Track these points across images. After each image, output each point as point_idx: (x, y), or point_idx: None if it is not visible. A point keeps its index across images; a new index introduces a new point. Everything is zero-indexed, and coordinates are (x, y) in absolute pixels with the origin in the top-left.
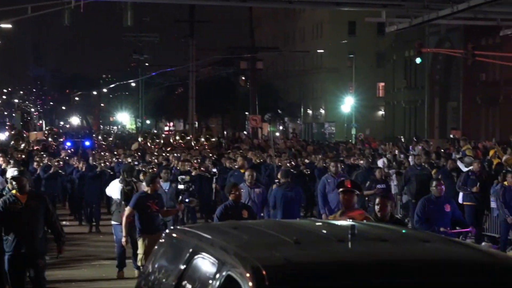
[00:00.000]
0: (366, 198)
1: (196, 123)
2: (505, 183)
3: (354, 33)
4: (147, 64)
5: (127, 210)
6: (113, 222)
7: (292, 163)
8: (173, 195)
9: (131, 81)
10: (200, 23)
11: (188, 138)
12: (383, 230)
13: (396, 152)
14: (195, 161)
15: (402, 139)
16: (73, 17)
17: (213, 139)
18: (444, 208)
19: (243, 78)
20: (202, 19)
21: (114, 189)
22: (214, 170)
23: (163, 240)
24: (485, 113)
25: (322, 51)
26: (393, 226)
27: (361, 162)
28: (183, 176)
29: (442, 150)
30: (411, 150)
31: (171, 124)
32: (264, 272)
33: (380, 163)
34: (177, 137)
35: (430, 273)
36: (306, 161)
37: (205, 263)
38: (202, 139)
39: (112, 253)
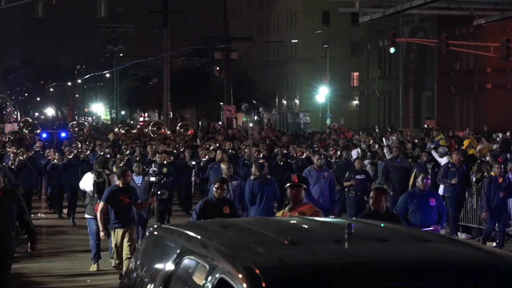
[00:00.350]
0: (346, 189)
1: (171, 113)
2: (492, 173)
3: (328, 23)
4: (121, 54)
5: (100, 205)
6: (86, 216)
7: (266, 153)
8: (147, 188)
9: (106, 72)
10: (174, 14)
11: (164, 128)
12: (382, 229)
13: (371, 142)
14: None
15: (377, 129)
16: (46, 8)
17: (190, 130)
18: (429, 201)
19: (218, 68)
20: (176, 9)
21: (87, 182)
22: (193, 162)
23: (147, 238)
24: (459, 102)
25: (296, 41)
26: (391, 224)
27: (339, 153)
28: (155, 169)
29: (416, 141)
30: (385, 140)
31: (146, 114)
32: (259, 275)
33: (354, 153)
34: (153, 128)
35: (433, 276)
36: (284, 151)
37: (195, 265)
38: (180, 130)
39: (86, 245)
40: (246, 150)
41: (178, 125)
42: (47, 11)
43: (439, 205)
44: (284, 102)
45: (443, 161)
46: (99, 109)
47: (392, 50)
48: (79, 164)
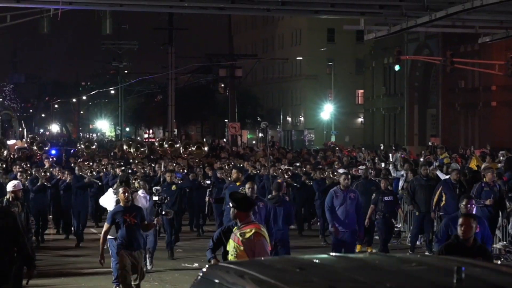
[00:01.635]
0: (372, 213)
1: (176, 130)
2: (485, 179)
3: (333, 40)
4: (126, 71)
5: (105, 226)
6: (109, 236)
7: (289, 173)
8: (153, 209)
9: (111, 88)
10: (179, 31)
11: (177, 146)
12: (497, 273)
13: (376, 159)
14: (182, 170)
15: (382, 147)
16: (51, 25)
17: (204, 148)
18: None
19: (222, 85)
20: (180, 26)
21: (109, 200)
22: (208, 182)
23: (199, 283)
24: (464, 120)
25: (301, 58)
26: (507, 267)
27: (360, 171)
28: (158, 188)
29: (422, 159)
30: (391, 158)
31: (151, 131)
32: None
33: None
34: (165, 145)
35: None
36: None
37: None
38: (192, 148)
39: (93, 265)
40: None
41: (192, 143)
42: (52, 27)
43: (484, 232)
44: (289, 119)
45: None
46: (103, 126)
47: (397, 67)
48: (93, 184)
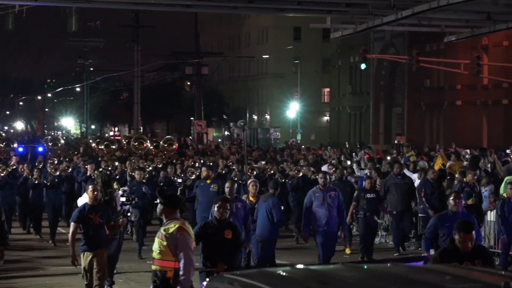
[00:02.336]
0: (354, 210)
1: (141, 128)
2: (505, 195)
3: (299, 39)
4: (92, 69)
5: (71, 226)
6: None
7: (270, 171)
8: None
9: (76, 86)
10: (145, 29)
11: (147, 144)
12: None
13: (342, 158)
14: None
15: (347, 145)
16: (17, 22)
17: (174, 146)
18: None
19: (188, 83)
20: (147, 24)
21: (85, 200)
22: (179, 180)
23: None
24: (429, 118)
25: (267, 56)
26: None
27: (332, 170)
28: (125, 188)
29: (389, 158)
30: (355, 156)
31: (116, 129)
32: None
33: (324, 168)
34: (135, 143)
35: None
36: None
37: None
38: (164, 145)
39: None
40: (235, 168)
41: (162, 140)
42: (17, 24)
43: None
44: (255, 117)
45: (415, 177)
46: (69, 123)
47: (363, 66)
48: (62, 183)
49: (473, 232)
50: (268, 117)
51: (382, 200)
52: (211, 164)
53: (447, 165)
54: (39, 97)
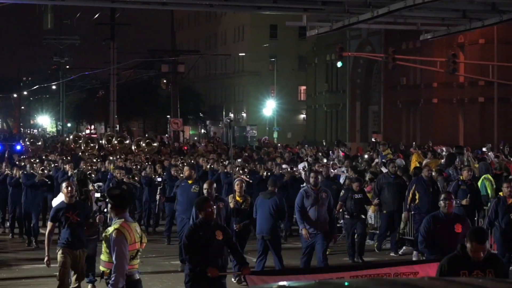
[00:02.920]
0: (341, 210)
1: (117, 126)
2: (500, 193)
3: (276, 37)
4: (68, 66)
5: (48, 225)
6: None
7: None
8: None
9: (52, 84)
10: (121, 26)
11: (127, 142)
12: None
13: (319, 155)
14: (135, 167)
15: (324, 143)
16: None
17: (155, 144)
18: (454, 228)
19: (165, 81)
20: (123, 22)
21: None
22: (159, 179)
23: None
24: (405, 116)
25: (243, 54)
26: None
27: (320, 169)
28: (100, 184)
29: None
30: (332, 154)
31: (92, 127)
32: None
33: (300, 166)
34: (115, 141)
35: None
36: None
37: None
38: (143, 144)
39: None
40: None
41: (143, 139)
42: None
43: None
44: (231, 115)
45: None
46: (45, 121)
47: (339, 64)
48: (43, 183)
49: (487, 242)
50: (244, 115)
51: (368, 200)
52: (193, 163)
53: (424, 163)
54: (15, 95)
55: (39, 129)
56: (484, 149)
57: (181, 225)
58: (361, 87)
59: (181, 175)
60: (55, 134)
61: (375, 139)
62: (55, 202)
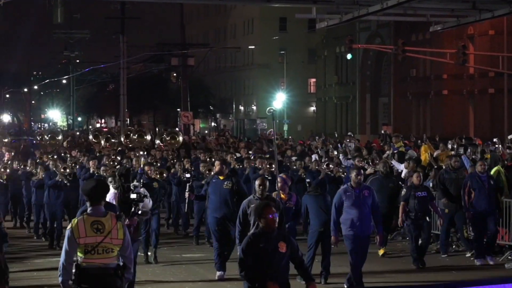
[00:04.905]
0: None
1: (128, 120)
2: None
3: (285, 29)
4: (78, 61)
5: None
6: None
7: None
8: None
9: (62, 78)
10: (131, 20)
11: (148, 137)
12: None
13: (330, 147)
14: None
15: (336, 135)
16: (1, 14)
17: (179, 138)
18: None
19: (175, 74)
20: (132, 16)
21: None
22: (187, 175)
23: None
24: (415, 108)
25: (253, 47)
26: None
27: (378, 166)
28: (136, 183)
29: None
30: (340, 147)
31: (103, 121)
32: None
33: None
34: (134, 136)
35: None
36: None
37: None
38: (167, 138)
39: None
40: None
41: (166, 133)
42: (2, 16)
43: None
44: (241, 108)
45: (401, 167)
46: (55, 116)
47: (349, 56)
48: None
49: None
50: (254, 107)
51: (433, 198)
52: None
53: (435, 155)
54: (25, 90)
55: (50, 123)
56: (494, 140)
57: (214, 225)
58: (371, 79)
59: (205, 171)
60: (65, 128)
61: (384, 131)
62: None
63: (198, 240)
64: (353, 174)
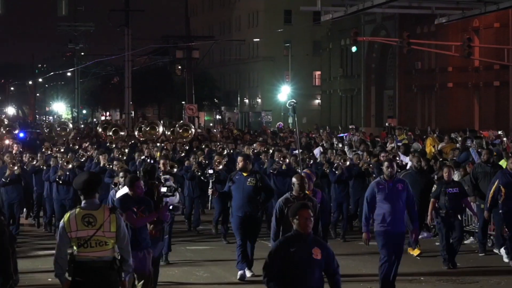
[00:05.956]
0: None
1: (132, 112)
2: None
3: (290, 22)
4: (82, 53)
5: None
6: None
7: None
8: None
9: (67, 70)
10: (136, 13)
11: (160, 129)
12: None
13: (335, 141)
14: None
15: (340, 128)
16: (6, 6)
17: (192, 130)
18: None
19: (179, 67)
20: (137, 8)
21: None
22: (210, 171)
23: None
24: (421, 101)
25: (258, 40)
26: None
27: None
28: (167, 176)
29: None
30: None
31: (108, 114)
32: None
33: (316, 151)
34: (147, 128)
35: None
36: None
37: None
38: (180, 130)
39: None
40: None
41: (178, 125)
42: (7, 8)
43: None
44: (246, 101)
45: (407, 160)
46: (60, 108)
47: (354, 49)
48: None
49: None
50: (259, 100)
51: (466, 195)
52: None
53: (439, 147)
54: (30, 82)
55: (54, 116)
56: (499, 132)
57: (237, 224)
58: (376, 72)
59: (216, 163)
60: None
61: (389, 124)
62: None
63: (221, 233)
64: (384, 166)
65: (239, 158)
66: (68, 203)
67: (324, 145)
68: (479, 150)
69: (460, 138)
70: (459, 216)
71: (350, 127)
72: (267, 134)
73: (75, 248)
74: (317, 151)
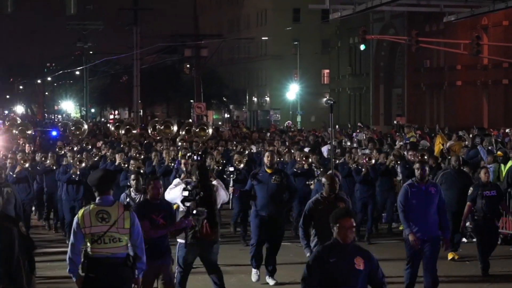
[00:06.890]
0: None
1: (141, 111)
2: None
3: (299, 20)
4: (91, 52)
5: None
6: (178, 240)
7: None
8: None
9: (76, 69)
10: (144, 11)
11: (174, 128)
12: None
13: (344, 139)
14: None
15: (349, 125)
16: (15, 5)
17: (209, 130)
18: None
19: (188, 65)
20: (146, 7)
21: (176, 194)
22: (231, 169)
23: None
24: (429, 99)
25: (266, 38)
26: None
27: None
28: (189, 180)
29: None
30: (355, 136)
31: (116, 112)
32: None
33: (324, 149)
34: (161, 127)
35: None
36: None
37: None
38: (196, 130)
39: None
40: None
41: (195, 124)
42: (16, 7)
43: None
44: (255, 99)
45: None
46: (69, 107)
47: (362, 47)
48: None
49: None
50: (268, 99)
51: (503, 198)
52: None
53: (447, 145)
54: (39, 81)
55: (63, 115)
56: (507, 131)
57: (257, 224)
58: (384, 70)
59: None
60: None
61: (398, 122)
62: (171, 195)
63: (245, 237)
64: (415, 168)
65: (266, 154)
66: (78, 204)
67: (343, 142)
68: (489, 148)
69: (466, 136)
70: (495, 221)
71: (359, 125)
72: (276, 133)
73: (88, 244)
74: (325, 149)
